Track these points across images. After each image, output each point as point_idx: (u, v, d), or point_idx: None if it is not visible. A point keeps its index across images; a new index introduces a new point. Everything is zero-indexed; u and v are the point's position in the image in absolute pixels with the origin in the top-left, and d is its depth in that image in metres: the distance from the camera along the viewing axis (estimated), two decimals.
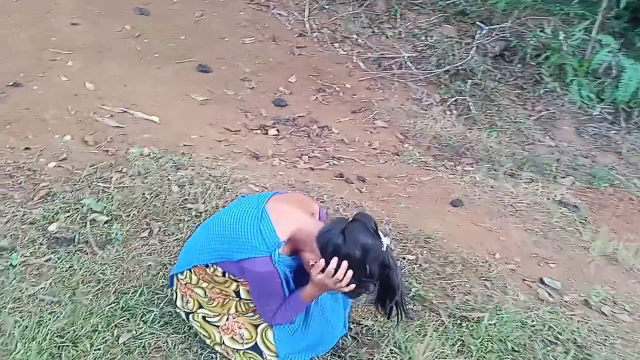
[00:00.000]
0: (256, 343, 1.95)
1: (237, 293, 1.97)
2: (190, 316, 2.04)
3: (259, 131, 4.19)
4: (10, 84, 3.95)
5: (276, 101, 4.55)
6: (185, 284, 2.00)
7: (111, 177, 3.11)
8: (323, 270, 1.76)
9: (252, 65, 4.92)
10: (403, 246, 2.93)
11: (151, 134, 3.73)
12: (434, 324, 2.42)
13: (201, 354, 2.05)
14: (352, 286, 1.79)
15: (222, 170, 3.37)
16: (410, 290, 2.57)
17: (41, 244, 2.55)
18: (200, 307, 2.01)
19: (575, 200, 3.80)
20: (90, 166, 3.21)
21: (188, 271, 1.96)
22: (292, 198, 2.09)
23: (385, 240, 1.80)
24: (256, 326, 1.98)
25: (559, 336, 2.50)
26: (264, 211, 1.85)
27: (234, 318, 1.98)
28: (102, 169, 3.21)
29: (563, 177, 4.31)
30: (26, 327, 2.01)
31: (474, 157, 4.39)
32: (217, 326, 1.99)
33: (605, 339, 2.59)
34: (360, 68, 5.19)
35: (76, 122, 3.70)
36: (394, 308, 1.87)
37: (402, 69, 5.20)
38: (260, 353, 1.94)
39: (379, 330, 2.34)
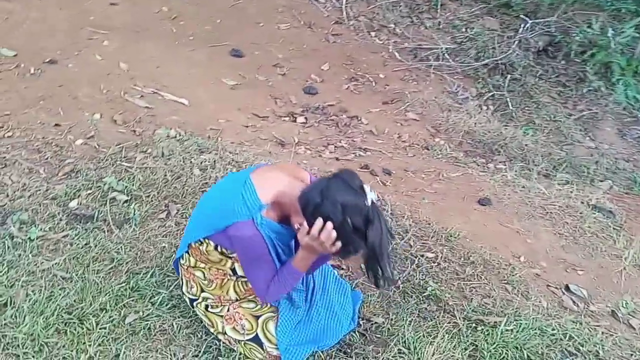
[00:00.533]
0: (257, 334, 1.92)
1: (234, 271, 1.93)
2: (195, 303, 2.03)
3: (287, 118, 4.14)
4: (47, 60, 4.03)
5: (307, 89, 4.49)
6: (187, 268, 1.98)
7: (135, 157, 3.14)
8: (309, 233, 1.67)
9: (285, 51, 4.87)
10: (423, 243, 2.85)
11: (179, 116, 3.74)
12: (447, 326, 2.34)
13: (205, 339, 2.04)
14: (338, 245, 1.67)
15: (246, 155, 3.35)
16: (425, 290, 2.49)
17: (60, 220, 2.59)
18: (202, 291, 1.99)
19: (612, 205, 3.62)
20: (116, 145, 3.24)
21: (186, 253, 1.95)
22: (279, 166, 2.05)
23: (371, 195, 1.67)
24: (257, 317, 1.95)
25: (580, 348, 2.39)
26: (248, 178, 1.80)
27: (234, 308, 1.95)
28: (128, 148, 3.24)
29: (601, 181, 4.11)
30: (36, 301, 2.05)
31: (508, 155, 4.24)
32: (221, 316, 1.96)
33: (632, 355, 2.46)
34: (396, 58, 5.07)
35: (107, 101, 3.74)
36: (379, 271, 1.71)
37: (438, 61, 5.05)
38: (261, 344, 1.91)
39: (389, 329, 2.28)
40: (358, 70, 4.87)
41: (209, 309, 1.98)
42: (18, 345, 1.85)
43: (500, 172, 3.93)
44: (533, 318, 2.47)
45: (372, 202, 1.67)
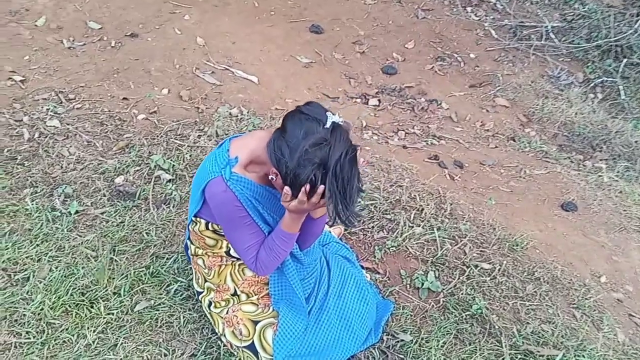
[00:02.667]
0: (253, 342, 1.76)
1: (228, 253, 1.78)
2: (200, 297, 1.92)
3: (358, 100, 3.90)
4: (128, 34, 4.11)
5: (385, 68, 4.19)
6: (193, 258, 1.87)
7: (189, 135, 3.10)
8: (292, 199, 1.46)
9: (368, 27, 4.58)
10: (481, 251, 2.51)
11: (246, 94, 3.65)
12: (487, 353, 2.03)
13: (209, 338, 1.93)
14: (321, 201, 1.42)
15: None
16: (469, 307, 2.18)
17: (104, 195, 2.60)
18: (205, 280, 1.87)
19: None
20: (174, 121, 3.22)
21: (188, 241, 1.82)
22: (266, 130, 1.80)
23: (332, 118, 1.41)
24: (255, 323, 1.78)
25: None
26: (227, 141, 1.64)
27: (234, 311, 1.80)
28: (185, 125, 3.20)
29: None
30: (54, 278, 2.05)
31: (611, 152, 3.65)
32: (222, 317, 1.83)
33: None
34: (491, 36, 4.58)
35: (178, 76, 3.73)
36: (338, 201, 1.40)
37: (541, 41, 4.47)
38: (256, 354, 1.75)
39: (416, 349, 2.02)
40: (446, 49, 4.46)
41: (211, 307, 1.86)
42: (24, 323, 1.86)
43: (597, 172, 3.39)
44: (601, 355, 2.07)
45: (333, 125, 1.41)
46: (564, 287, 2.38)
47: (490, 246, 2.54)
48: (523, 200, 3.01)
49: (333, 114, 1.44)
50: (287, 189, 1.45)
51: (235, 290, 1.83)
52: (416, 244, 2.48)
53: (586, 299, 2.34)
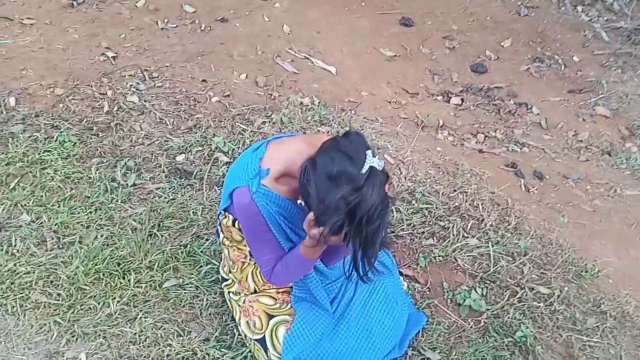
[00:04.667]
0: (264, 336, 1.70)
1: (252, 254, 1.72)
2: (224, 284, 1.89)
3: (440, 97, 3.69)
4: (219, 18, 4.21)
5: (475, 66, 3.93)
6: (220, 244, 1.85)
7: (255, 121, 3.10)
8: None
9: (462, 22, 4.32)
10: (541, 273, 2.26)
11: (320, 84, 3.60)
12: None
13: (226, 325, 1.91)
14: (340, 237, 1.32)
15: (368, 133, 3.07)
16: (513, 333, 1.96)
17: (162, 172, 2.68)
18: (230, 271, 1.84)
19: None
20: (244, 106, 3.24)
21: (219, 227, 1.80)
22: (305, 136, 1.70)
23: (371, 162, 1.28)
24: (270, 317, 1.72)
25: None
26: (264, 144, 1.56)
27: (250, 301, 1.75)
28: (254, 111, 3.22)
29: None
30: (96, 247, 2.12)
31: None
32: (240, 305, 1.79)
33: None
34: (601, 39, 4.13)
35: (258, 62, 3.76)
36: (359, 253, 1.31)
37: None
38: (266, 349, 1.69)
39: None
40: (546, 50, 4.09)
41: (232, 294, 1.82)
42: (57, 285, 1.96)
43: None
44: None
45: (371, 169, 1.28)
46: (634, 326, 2.07)
47: (553, 269, 2.27)
48: (606, 222, 2.67)
49: (373, 156, 1.31)
50: (310, 215, 1.36)
51: (256, 290, 1.78)
52: (467, 256, 2.29)
53: None
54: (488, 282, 2.18)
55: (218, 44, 3.92)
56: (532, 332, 1.97)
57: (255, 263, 1.76)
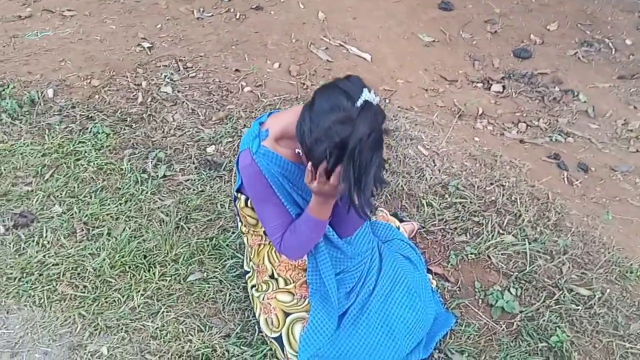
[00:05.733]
0: (281, 334, 1.66)
1: (265, 233, 1.68)
2: (247, 277, 1.87)
3: (480, 84, 3.54)
4: (254, 6, 4.17)
5: (518, 51, 3.75)
6: (242, 236, 1.82)
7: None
8: (315, 178, 1.34)
9: (505, 5, 4.13)
10: (582, 274, 2.13)
11: (355, 72, 3.51)
12: None
13: (248, 321, 1.89)
14: (343, 186, 1.26)
15: (401, 123, 2.97)
16: (548, 338, 1.85)
17: (192, 163, 2.67)
18: (250, 259, 1.82)
19: None
20: (276, 96, 3.21)
21: (238, 217, 1.77)
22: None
23: (366, 96, 1.23)
24: (287, 315, 1.68)
25: None
26: (267, 114, 1.55)
27: (269, 298, 1.71)
28: (285, 100, 3.17)
29: None
30: (123, 238, 2.14)
31: None
32: (260, 302, 1.75)
33: None
34: None
35: (292, 50, 3.71)
36: (353, 189, 1.24)
37: None
38: (282, 347, 1.65)
39: None
40: (596, 33, 3.85)
41: (254, 290, 1.79)
42: (84, 277, 1.98)
43: None
44: None
45: (365, 103, 1.23)
46: None
47: (595, 269, 2.14)
48: None
49: (369, 92, 1.26)
50: (309, 166, 1.32)
51: (273, 273, 1.75)
52: (502, 254, 2.18)
53: None
54: (523, 282, 2.07)
55: (252, 32, 3.88)
56: (568, 336, 1.85)
57: (270, 243, 1.73)
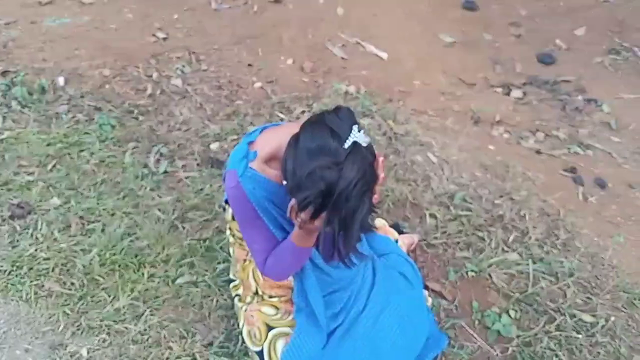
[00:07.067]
0: (262, 349, 1.60)
1: None
2: (231, 285, 1.82)
3: (499, 89, 3.41)
4: (273, 0, 4.10)
5: (542, 56, 3.61)
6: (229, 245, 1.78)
7: (294, 109, 3.00)
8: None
9: (532, 7, 3.98)
10: (587, 298, 2.03)
11: (370, 72, 3.44)
12: None
13: (233, 330, 1.85)
14: (320, 220, 1.20)
15: (411, 128, 2.89)
16: None
17: (195, 160, 2.64)
18: (237, 271, 1.77)
19: None
20: (286, 94, 3.15)
21: (227, 226, 1.72)
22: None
23: (355, 137, 1.15)
24: (269, 328, 1.62)
25: None
26: (258, 130, 1.47)
27: (252, 310, 1.66)
28: (295, 99, 3.12)
29: None
30: (116, 235, 2.11)
31: None
32: (244, 313, 1.70)
33: None
34: None
35: (307, 46, 3.64)
36: (337, 237, 1.18)
37: None
38: None
39: None
40: (625, 40, 3.69)
41: (237, 300, 1.75)
42: (72, 274, 1.96)
43: None
44: None
45: (354, 145, 1.15)
46: None
47: (602, 294, 2.04)
48: None
49: (359, 131, 1.18)
50: (293, 201, 1.25)
51: (257, 290, 1.70)
52: (504, 273, 2.09)
53: None
54: (524, 304, 1.98)
55: (269, 26, 3.82)
56: None
57: None
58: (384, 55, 3.59)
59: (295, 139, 1.22)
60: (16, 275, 1.94)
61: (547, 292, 2.03)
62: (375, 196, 1.23)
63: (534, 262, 2.12)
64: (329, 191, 1.14)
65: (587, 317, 1.94)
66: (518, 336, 1.87)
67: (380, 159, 1.24)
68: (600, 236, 2.34)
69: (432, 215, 2.32)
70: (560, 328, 1.90)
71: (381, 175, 1.23)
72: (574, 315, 1.94)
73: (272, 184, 1.43)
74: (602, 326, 1.92)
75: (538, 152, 2.94)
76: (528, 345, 1.85)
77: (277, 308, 1.66)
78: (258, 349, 1.62)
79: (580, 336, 1.88)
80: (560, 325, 1.91)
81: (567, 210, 2.47)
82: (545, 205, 2.47)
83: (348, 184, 1.12)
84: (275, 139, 1.42)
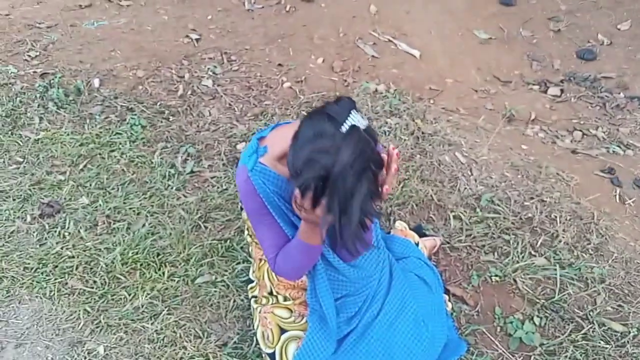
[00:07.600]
0: (274, 352, 1.60)
1: None
2: (249, 286, 1.82)
3: (536, 87, 3.30)
4: None
5: (582, 52, 3.46)
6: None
7: None
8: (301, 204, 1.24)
9: (572, 2, 3.83)
10: (617, 306, 1.93)
11: (401, 70, 3.38)
12: None
13: (248, 330, 1.85)
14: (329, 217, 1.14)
15: (442, 126, 2.83)
16: None
17: (221, 159, 2.66)
18: (253, 270, 1.77)
19: None
20: (315, 93, 3.14)
21: (245, 226, 1.73)
22: None
23: (353, 120, 1.12)
24: (282, 331, 1.62)
25: None
26: (270, 127, 1.48)
27: (266, 311, 1.66)
28: (322, 98, 3.10)
29: None
30: (140, 234, 2.16)
31: None
32: (259, 314, 1.70)
33: None
34: None
35: (338, 45, 3.62)
36: (336, 224, 1.13)
37: None
38: None
39: None
40: None
41: (253, 301, 1.75)
42: (95, 272, 2.01)
43: None
44: None
45: (352, 128, 1.11)
46: None
47: (635, 302, 1.93)
48: None
49: (357, 114, 1.15)
50: (296, 191, 1.24)
51: (272, 290, 1.69)
52: (530, 278, 2.01)
53: None
54: (549, 311, 1.90)
55: (300, 25, 3.82)
56: None
57: None
58: (416, 52, 3.52)
59: (297, 131, 1.22)
60: (42, 273, 2.00)
61: (575, 299, 1.94)
62: (386, 187, 1.20)
63: (562, 268, 2.03)
64: (326, 174, 1.11)
65: (618, 326, 1.85)
66: (541, 344, 1.79)
67: (395, 151, 1.21)
68: (637, 241, 2.22)
69: (457, 217, 2.26)
70: (587, 337, 1.82)
71: (394, 166, 1.20)
72: (603, 324, 1.85)
73: (281, 179, 1.42)
74: (634, 336, 1.82)
75: (574, 151, 2.82)
76: (552, 354, 1.77)
77: (290, 311, 1.66)
78: (270, 351, 1.62)
79: (609, 346, 1.78)
80: (588, 334, 1.82)
81: (602, 213, 2.36)
82: (578, 207, 2.37)
83: (344, 164, 1.09)
84: (285, 135, 1.40)
